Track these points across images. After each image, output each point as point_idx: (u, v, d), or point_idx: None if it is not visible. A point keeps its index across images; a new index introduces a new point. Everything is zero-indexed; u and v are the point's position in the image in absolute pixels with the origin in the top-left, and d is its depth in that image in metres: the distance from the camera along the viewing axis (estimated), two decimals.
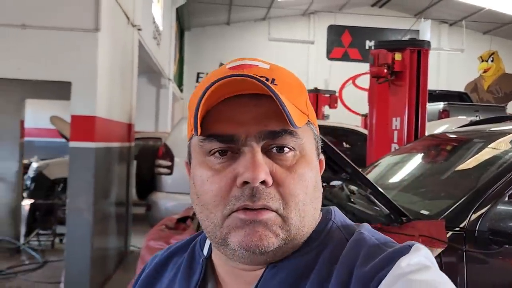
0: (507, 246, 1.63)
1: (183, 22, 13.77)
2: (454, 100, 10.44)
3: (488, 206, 1.67)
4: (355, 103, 10.07)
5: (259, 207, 0.54)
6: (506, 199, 1.69)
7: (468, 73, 13.85)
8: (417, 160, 2.65)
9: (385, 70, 3.73)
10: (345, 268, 0.54)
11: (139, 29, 5.50)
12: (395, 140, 3.81)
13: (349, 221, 0.64)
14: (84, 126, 3.74)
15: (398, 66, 3.76)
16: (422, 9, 14.37)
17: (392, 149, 3.77)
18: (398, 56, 3.74)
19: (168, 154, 4.92)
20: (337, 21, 14.96)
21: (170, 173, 4.88)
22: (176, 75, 12.58)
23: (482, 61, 13.97)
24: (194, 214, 2.61)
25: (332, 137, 5.69)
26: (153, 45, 7.63)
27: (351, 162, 1.75)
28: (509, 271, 1.65)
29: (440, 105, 9.00)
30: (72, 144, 3.78)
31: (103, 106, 3.95)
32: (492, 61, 13.92)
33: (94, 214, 3.85)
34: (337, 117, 8.58)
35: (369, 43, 13.40)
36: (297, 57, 14.67)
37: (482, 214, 1.66)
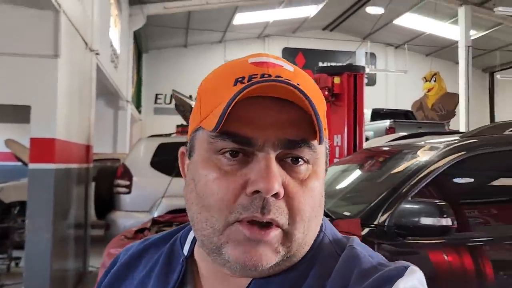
0: (409, 237, 1.99)
1: (141, 44, 13.96)
2: (400, 117, 11.15)
3: (395, 206, 2.03)
4: None
5: (267, 221, 0.50)
6: (410, 199, 2.05)
7: (414, 92, 14.76)
8: (349, 170, 3.02)
9: (326, 93, 4.14)
10: (338, 285, 0.52)
11: (97, 54, 5.70)
12: (337, 155, 4.20)
13: (339, 234, 0.62)
14: (43, 148, 3.85)
15: (337, 89, 4.19)
16: (368, 33, 15.30)
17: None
18: (337, 80, 4.17)
19: (127, 174, 5.09)
20: (291, 44, 15.64)
21: (129, 192, 5.05)
22: (134, 96, 12.69)
23: (426, 81, 14.96)
24: (152, 225, 2.84)
25: None
26: (111, 68, 7.81)
27: None
28: (410, 257, 2.01)
29: (386, 123, 9.66)
30: (32, 166, 3.89)
31: (62, 128, 4.09)
32: (434, 81, 14.92)
33: (53, 235, 3.91)
34: None
35: (321, 65, 14.07)
36: None
37: (390, 212, 2.02)
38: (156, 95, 14.75)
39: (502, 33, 13.67)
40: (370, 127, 9.72)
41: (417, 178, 2.10)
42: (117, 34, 8.61)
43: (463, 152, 2.21)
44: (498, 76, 16.39)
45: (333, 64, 13.79)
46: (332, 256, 0.57)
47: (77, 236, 4.99)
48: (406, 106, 14.30)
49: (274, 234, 0.51)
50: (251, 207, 0.50)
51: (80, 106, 4.92)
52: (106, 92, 8.66)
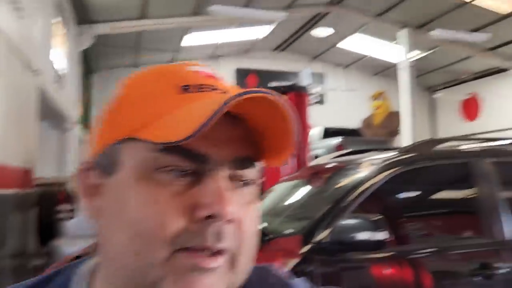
0: (348, 253, 2.02)
1: (90, 64, 13.62)
2: (350, 135, 11.51)
3: (334, 222, 2.06)
4: None
5: (218, 249, 0.44)
6: (349, 214, 2.09)
7: (363, 110, 15.28)
8: (295, 188, 3.05)
9: None
10: None
11: (37, 74, 5.49)
12: (283, 174, 4.24)
13: None
14: None
15: None
16: (318, 54, 15.77)
17: None
18: None
19: (70, 199, 4.88)
20: (243, 65, 15.81)
21: (72, 218, 4.84)
22: (83, 118, 12.30)
23: (374, 99, 15.57)
24: (95, 250, 2.71)
25: None
26: (55, 89, 7.54)
27: None
28: (350, 272, 2.03)
29: (336, 140, 9.93)
30: None
31: None
32: (382, 100, 15.56)
33: None
34: None
35: (272, 84, 14.30)
36: None
37: (330, 228, 2.04)
38: None
39: (440, 54, 14.52)
40: (321, 145, 9.95)
41: (355, 194, 2.15)
42: (62, 53, 8.35)
43: (399, 167, 2.29)
44: (437, 94, 17.35)
45: (284, 84, 14.10)
46: (263, 282, 0.54)
47: (16, 267, 4.69)
48: (357, 123, 14.77)
49: (223, 260, 0.45)
50: (202, 233, 0.43)
51: (18, 128, 4.70)
52: (51, 114, 8.33)
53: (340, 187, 2.34)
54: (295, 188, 3.07)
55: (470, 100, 17.12)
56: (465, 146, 2.59)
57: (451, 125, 17.33)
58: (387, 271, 2.05)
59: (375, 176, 2.23)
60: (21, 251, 4.93)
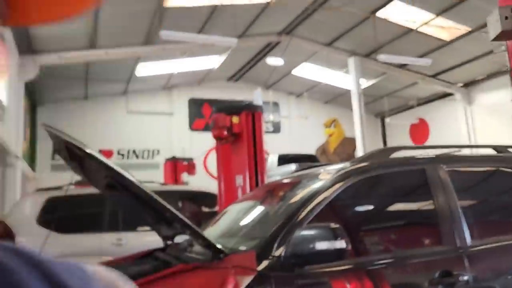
0: (306, 266, 1.88)
1: (35, 97, 13.05)
2: (305, 161, 11.57)
3: (290, 235, 1.93)
4: None
5: None
6: (304, 226, 1.97)
7: (316, 137, 15.50)
8: (250, 207, 2.91)
9: (225, 132, 4.08)
10: None
11: None
12: (240, 196, 4.09)
13: None
14: None
15: (236, 128, 4.15)
16: (271, 83, 15.98)
17: None
18: (235, 119, 4.13)
19: (8, 235, 4.47)
20: (197, 95, 15.73)
21: None
22: (27, 153, 11.65)
23: (326, 127, 15.87)
24: None
25: (190, 201, 5.82)
26: None
27: (169, 208, 1.89)
28: (309, 285, 1.90)
29: (293, 167, 9.94)
30: None
31: None
32: (334, 126, 15.88)
33: None
34: (201, 183, 8.79)
35: None
36: (158, 128, 14.87)
37: (285, 242, 1.91)
38: (54, 151, 13.74)
39: (388, 81, 15.12)
40: (277, 172, 9.93)
41: (310, 206, 2.04)
42: (3, 86, 7.92)
43: (354, 176, 2.22)
44: (387, 120, 17.96)
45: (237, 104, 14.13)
46: None
47: None
48: (310, 150, 14.91)
49: None
50: None
51: None
52: None
53: (294, 200, 2.23)
54: (250, 208, 2.94)
55: (418, 124, 17.84)
56: (420, 153, 2.56)
57: None
58: (347, 284, 1.93)
59: (330, 187, 2.14)
60: None
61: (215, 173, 10.84)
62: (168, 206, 1.92)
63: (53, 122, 13.55)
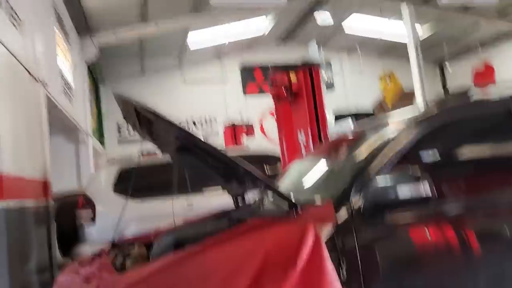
0: (385, 215, 1.87)
1: (98, 77, 13.65)
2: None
3: (368, 185, 1.91)
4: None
5: None
6: (382, 176, 1.94)
7: (371, 93, 15.02)
8: (317, 161, 2.91)
9: (284, 91, 4.05)
10: None
11: (44, 85, 5.44)
12: (304, 153, 4.09)
13: None
14: None
15: (295, 87, 4.10)
16: (322, 41, 15.51)
17: None
18: (293, 78, 4.09)
19: (89, 204, 4.82)
20: (248, 60, 15.68)
21: (93, 223, 4.77)
22: (96, 130, 12.31)
23: (382, 81, 15.29)
24: (111, 248, 2.62)
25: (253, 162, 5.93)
26: (65, 101, 7.51)
27: (242, 165, 1.94)
28: (390, 235, 1.89)
29: (349, 121, 9.80)
30: None
31: (9, 163, 3.80)
32: (390, 81, 15.26)
33: (12, 283, 3.56)
34: (260, 146, 8.91)
35: None
36: (214, 96, 15.08)
37: (363, 192, 1.90)
38: (118, 126, 14.39)
39: (447, 26, 14.16)
40: (333, 129, 9.89)
41: (387, 155, 2.00)
42: (68, 66, 8.33)
43: (431, 122, 2.13)
44: (448, 68, 16.97)
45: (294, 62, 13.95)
46: None
47: (43, 281, 4.60)
48: (366, 107, 14.51)
49: None
50: None
51: (30, 139, 4.64)
52: (64, 127, 8.32)
53: (368, 151, 2.19)
54: (318, 162, 2.94)
55: (483, 68, 16.70)
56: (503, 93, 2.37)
57: None
58: (429, 232, 1.90)
59: (407, 135, 2.08)
60: (46, 265, 4.86)
61: (272, 135, 10.93)
62: (241, 163, 1.96)
63: (114, 101, 14.12)
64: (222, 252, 1.72)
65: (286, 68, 4.24)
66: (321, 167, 2.72)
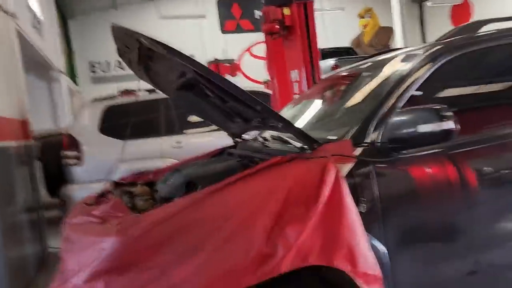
0: (403, 151, 1.86)
1: (65, 10, 12.81)
2: (343, 55, 11.21)
3: (385, 120, 1.88)
4: (255, 72, 10.32)
5: None
6: (400, 110, 1.91)
7: (351, 30, 14.80)
8: (318, 99, 2.84)
9: (277, 26, 3.88)
10: None
11: (13, 17, 5.03)
12: (296, 91, 4.01)
13: None
14: None
15: (288, 21, 3.93)
16: None
17: None
18: (286, 11, 3.90)
19: (74, 144, 4.67)
20: None
21: (80, 163, 4.65)
22: (68, 68, 11.77)
23: (361, 18, 15.03)
24: (115, 187, 2.55)
25: None
26: (35, 35, 7.04)
27: (261, 101, 1.85)
28: (405, 172, 1.89)
29: (331, 61, 9.65)
30: None
31: None
32: (369, 17, 15.02)
33: (2, 222, 3.53)
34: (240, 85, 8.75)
35: (258, 13, 13.64)
36: (191, 32, 14.51)
37: (381, 127, 1.87)
38: (91, 63, 13.79)
39: None
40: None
41: (403, 88, 1.95)
42: None
43: (445, 55, 2.07)
44: (428, 3, 16.76)
45: None
46: None
47: (30, 220, 4.56)
48: (345, 44, 14.34)
49: None
50: None
51: (5, 76, 4.35)
52: (35, 64, 7.88)
53: (380, 85, 2.13)
54: (322, 100, 2.87)
55: (460, 6, 16.60)
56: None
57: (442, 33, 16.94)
58: (447, 167, 1.90)
59: (421, 67, 2.02)
60: (33, 204, 4.78)
61: (253, 75, 10.69)
62: (256, 99, 1.88)
63: (86, 34, 13.42)
64: (244, 191, 1.69)
65: (279, 1, 4.03)
66: (327, 106, 2.66)
